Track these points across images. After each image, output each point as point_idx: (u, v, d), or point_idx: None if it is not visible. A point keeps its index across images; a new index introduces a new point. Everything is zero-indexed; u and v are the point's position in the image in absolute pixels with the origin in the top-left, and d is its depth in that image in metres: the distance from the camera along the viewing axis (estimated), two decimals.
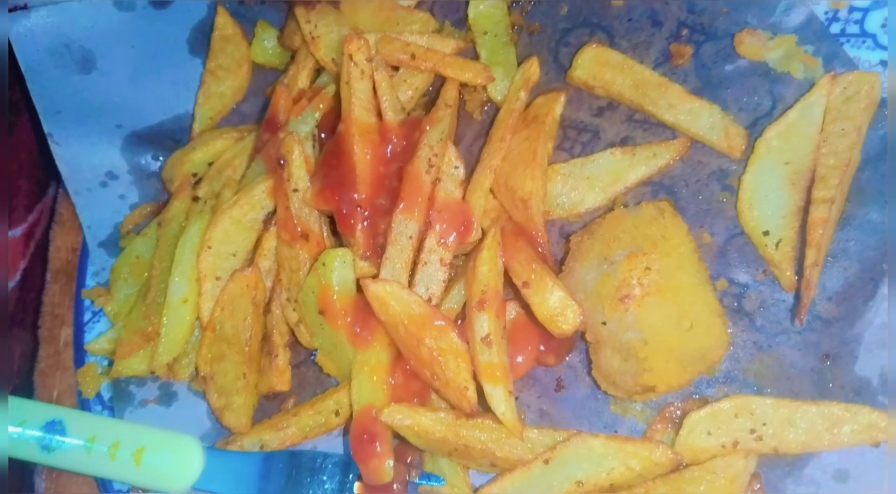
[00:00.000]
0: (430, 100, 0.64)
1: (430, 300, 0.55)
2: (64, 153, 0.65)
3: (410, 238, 0.56)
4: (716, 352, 0.50)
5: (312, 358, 0.60)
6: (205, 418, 0.60)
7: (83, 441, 0.56)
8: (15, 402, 0.58)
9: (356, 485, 0.54)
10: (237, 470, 0.56)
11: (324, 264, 0.57)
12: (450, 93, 0.61)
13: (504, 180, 0.57)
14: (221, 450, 0.57)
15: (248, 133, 0.66)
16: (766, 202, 0.52)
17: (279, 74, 0.68)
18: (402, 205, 0.56)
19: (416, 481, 0.53)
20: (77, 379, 0.61)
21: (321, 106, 0.62)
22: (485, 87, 0.62)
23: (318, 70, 0.65)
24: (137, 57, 0.69)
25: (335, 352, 0.57)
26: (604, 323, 0.51)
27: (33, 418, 0.57)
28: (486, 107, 0.63)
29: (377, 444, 0.52)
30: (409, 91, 0.62)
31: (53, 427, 0.56)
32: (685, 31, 0.60)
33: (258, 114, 0.68)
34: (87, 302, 0.64)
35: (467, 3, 0.65)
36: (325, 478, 0.55)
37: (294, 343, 0.60)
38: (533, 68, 0.60)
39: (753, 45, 0.57)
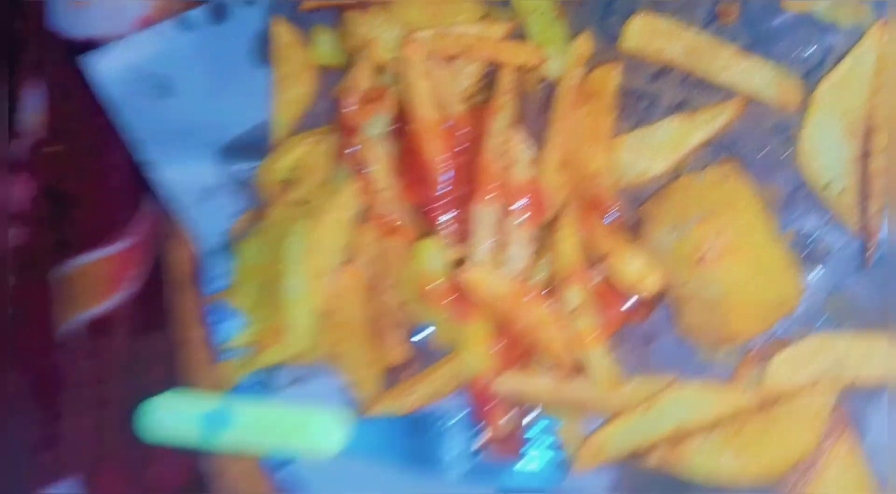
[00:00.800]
0: (488, 81, 0.67)
1: (517, 277, 0.61)
2: (162, 178, 0.71)
3: (491, 225, 0.61)
4: (792, 300, 0.55)
5: (420, 331, 0.68)
6: (340, 392, 0.68)
7: (243, 426, 0.65)
8: (177, 395, 0.67)
9: (481, 439, 0.62)
10: (377, 435, 0.64)
11: (417, 255, 0.63)
12: (507, 79, 0.64)
13: (571, 157, 0.61)
14: (361, 419, 0.66)
15: (324, 136, 0.71)
16: (825, 154, 0.55)
17: (342, 72, 0.72)
18: (479, 195, 0.62)
19: (535, 425, 0.61)
20: (222, 372, 0.70)
21: (389, 106, 0.66)
22: (539, 66, 0.65)
23: (380, 67, 0.69)
24: (209, 74, 0.73)
25: (440, 328, 0.65)
26: (684, 284, 0.56)
27: (196, 409, 0.66)
28: (542, 84, 0.66)
29: (493, 404, 0.60)
30: (467, 79, 0.66)
31: (215, 416, 0.66)
32: None
33: (330, 114, 0.73)
34: (214, 305, 0.72)
35: None
36: (453, 436, 0.63)
37: (402, 320, 0.67)
38: (584, 44, 0.63)
39: None
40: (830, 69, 0.56)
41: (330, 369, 0.67)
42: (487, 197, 0.61)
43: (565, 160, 0.62)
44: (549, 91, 0.65)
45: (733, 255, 0.54)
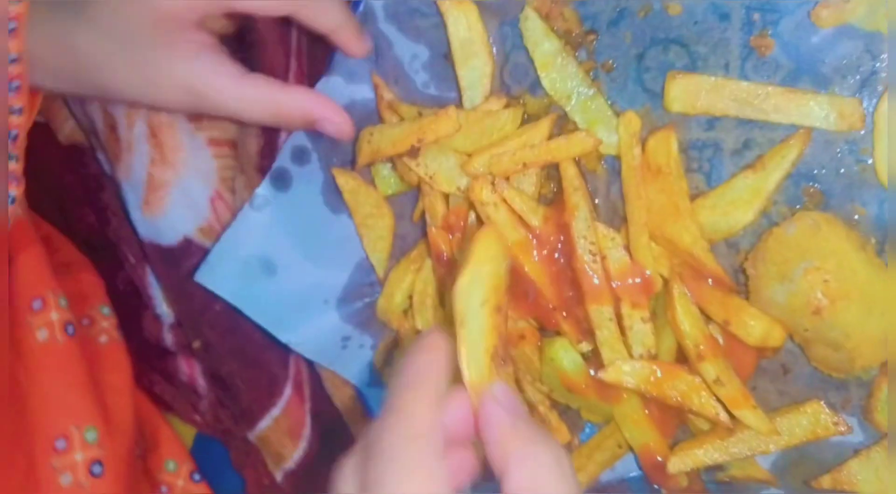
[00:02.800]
0: (549, 171, 0.69)
1: (649, 353, 0.66)
2: (304, 347, 0.79)
3: (610, 320, 0.66)
4: None
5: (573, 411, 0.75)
6: None
7: None
8: None
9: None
10: None
11: (551, 358, 0.69)
12: (570, 173, 0.66)
13: (660, 233, 0.64)
14: None
15: (420, 260, 0.76)
16: None
17: (411, 193, 0.76)
18: (589, 297, 0.66)
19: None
20: None
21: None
22: (595, 148, 0.67)
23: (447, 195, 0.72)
24: (300, 240, 0.79)
25: (594, 408, 0.71)
26: (806, 330, 0.60)
27: None
28: (603, 161, 0.68)
29: (666, 470, 0.68)
30: (531, 183, 0.69)
31: None
32: (756, 16, 0.60)
33: (416, 234, 0.77)
34: None
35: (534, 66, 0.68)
36: None
37: (555, 402, 0.74)
38: (632, 122, 0.64)
39: (832, 16, 0.57)
40: (885, 77, 0.55)
41: None
42: (596, 296, 0.66)
43: (653, 234, 0.65)
44: (614, 164, 0.67)
45: (844, 301, 0.57)
